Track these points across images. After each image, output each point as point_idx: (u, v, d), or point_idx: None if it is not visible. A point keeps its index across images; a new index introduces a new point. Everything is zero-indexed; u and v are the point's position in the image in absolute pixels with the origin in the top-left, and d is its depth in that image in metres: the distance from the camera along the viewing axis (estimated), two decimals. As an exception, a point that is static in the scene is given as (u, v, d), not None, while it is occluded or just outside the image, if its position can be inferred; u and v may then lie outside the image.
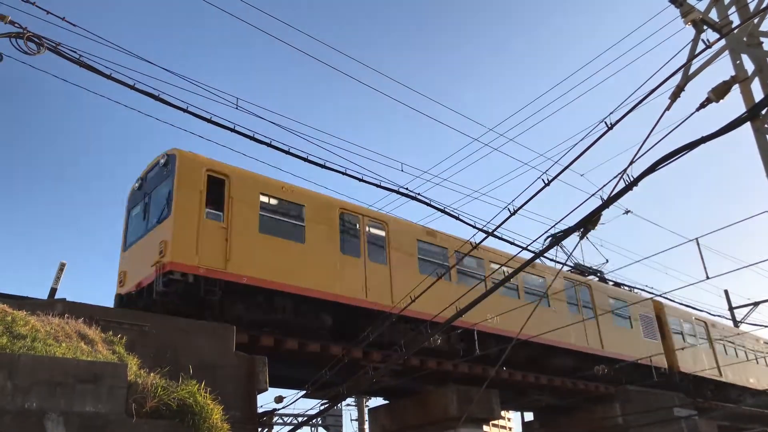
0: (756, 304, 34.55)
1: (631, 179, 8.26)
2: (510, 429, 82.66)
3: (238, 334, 12.25)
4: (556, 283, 19.69)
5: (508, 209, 10.42)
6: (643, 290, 24.16)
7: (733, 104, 8.94)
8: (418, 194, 17.02)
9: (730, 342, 27.96)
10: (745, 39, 9.14)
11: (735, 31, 9.06)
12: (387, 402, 19.53)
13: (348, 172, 15.60)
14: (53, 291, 10.26)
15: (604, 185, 8.78)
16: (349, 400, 28.30)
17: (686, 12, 9.11)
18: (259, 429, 12.54)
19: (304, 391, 14.75)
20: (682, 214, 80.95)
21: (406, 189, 17.07)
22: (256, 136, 13.98)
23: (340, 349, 14.07)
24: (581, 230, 9.05)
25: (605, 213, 8.72)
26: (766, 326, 35.63)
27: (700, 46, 9.07)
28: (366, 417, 28.34)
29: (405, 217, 18.14)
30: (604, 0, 76.47)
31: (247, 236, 13.32)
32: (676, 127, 8.31)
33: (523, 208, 10.03)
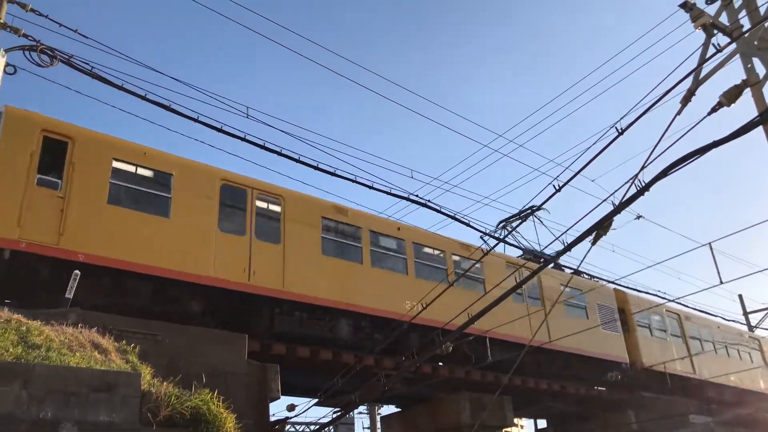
0: (771, 308, 34.12)
1: (643, 184, 8.23)
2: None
3: (250, 342, 12.28)
4: (493, 266, 17.79)
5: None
6: (656, 296, 23.77)
7: (745, 108, 8.89)
8: (428, 201, 17.02)
9: (708, 337, 25.95)
10: (756, 42, 9.09)
11: (746, 35, 9.02)
12: (399, 410, 19.48)
13: (358, 179, 15.65)
14: (67, 301, 10.30)
15: (616, 190, 8.75)
16: (361, 408, 28.23)
17: (696, 16, 9.08)
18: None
19: (317, 399, 14.74)
20: (694, 218, 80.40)
21: (416, 196, 17.08)
22: (267, 145, 14.08)
23: (352, 357, 14.05)
24: (593, 236, 8.99)
25: (617, 218, 8.68)
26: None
27: (711, 50, 9.04)
28: (378, 425, 28.25)
29: (416, 224, 18.16)
30: (613, 5, 76.33)
31: (92, 208, 11.67)
32: (688, 131, 8.27)
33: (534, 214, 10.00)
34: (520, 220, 21.22)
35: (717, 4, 9.43)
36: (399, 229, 16.35)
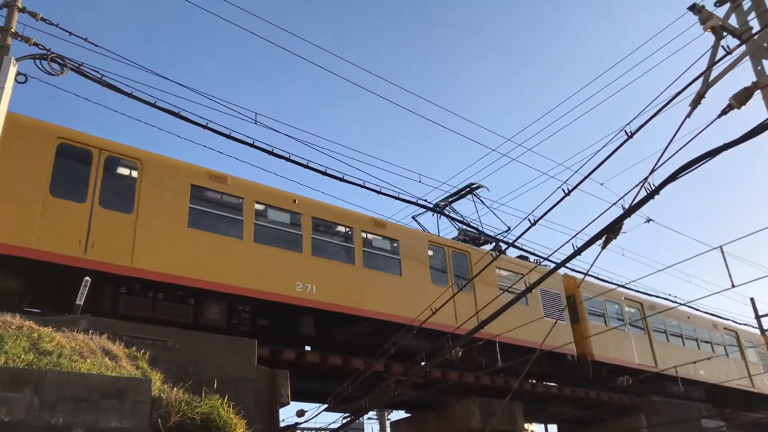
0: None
1: (653, 188, 8.18)
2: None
3: (260, 348, 12.29)
4: (413, 246, 16.35)
5: (529, 219, 10.37)
6: (666, 299, 23.57)
7: (755, 110, 8.84)
8: (437, 205, 17.02)
9: (675, 328, 24.17)
10: (765, 45, 9.04)
11: (755, 37, 8.97)
12: (409, 415, 19.43)
13: (366, 184, 15.67)
14: (78, 307, 10.34)
15: (626, 194, 8.71)
16: (371, 414, 28.17)
17: (705, 19, 9.05)
18: (282, 443, 12.52)
19: (326, 405, 14.72)
20: (705, 221, 79.84)
21: (425, 200, 17.09)
22: (276, 151, 14.11)
23: (361, 363, 14.04)
24: (603, 240, 8.94)
25: (627, 222, 8.63)
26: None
27: (720, 52, 9.00)
28: (388, 430, 28.18)
29: (426, 229, 18.08)
30: (622, 8, 76.06)
31: None
32: (698, 134, 8.23)
33: (544, 218, 9.98)
34: (458, 198, 19.84)
35: (726, 7, 9.39)
36: (296, 201, 14.63)
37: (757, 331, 28.16)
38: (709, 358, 23.73)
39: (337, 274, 14.60)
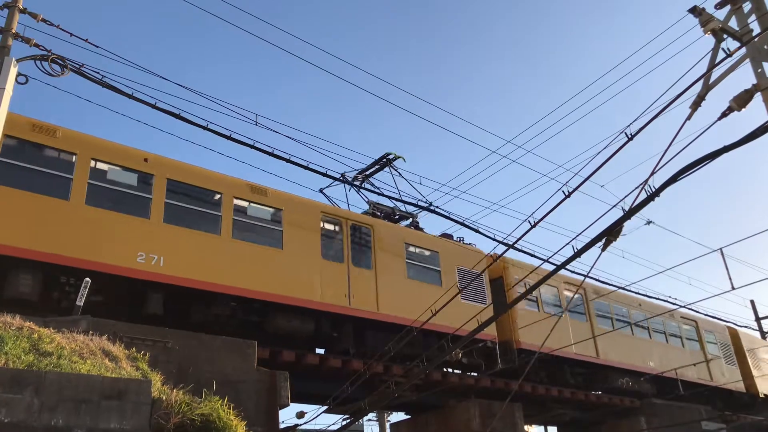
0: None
1: (653, 189, 8.20)
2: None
3: (260, 349, 12.29)
4: (301, 216, 14.51)
5: (529, 221, 10.37)
6: (666, 301, 23.50)
7: (755, 113, 8.85)
8: (437, 207, 17.04)
9: (624, 316, 22.18)
10: (766, 47, 9.06)
11: (755, 40, 8.98)
12: (409, 417, 19.42)
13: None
14: (78, 308, 10.35)
15: (626, 196, 8.72)
16: (371, 415, 28.17)
17: (705, 21, 9.06)
18: (282, 445, 12.51)
19: (326, 407, 14.73)
20: (705, 223, 79.80)
21: (425, 201, 17.10)
22: (276, 152, 14.15)
23: (361, 364, 14.04)
24: (603, 242, 8.95)
25: (627, 224, 8.65)
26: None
27: (721, 54, 9.01)
28: (388, 432, 28.15)
29: (426, 230, 18.04)
30: (622, 9, 76.12)
31: None
32: (698, 136, 8.25)
33: (544, 219, 9.98)
34: (375, 170, 18.13)
35: (726, 9, 9.41)
36: (147, 160, 12.74)
37: (721, 323, 26.80)
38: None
39: (196, 245, 12.68)
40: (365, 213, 17.10)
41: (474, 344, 15.92)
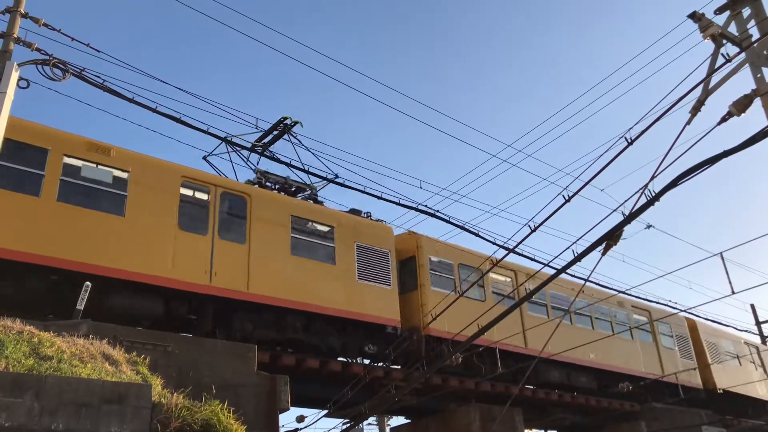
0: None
1: (653, 194, 8.21)
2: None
3: (260, 353, 12.30)
4: (154, 180, 12.65)
5: (529, 226, 10.39)
6: (666, 305, 23.43)
7: (755, 118, 8.88)
8: (437, 211, 17.02)
9: (562, 303, 19.92)
10: (765, 52, 9.08)
11: (755, 45, 9.01)
12: (409, 421, 19.40)
13: (367, 190, 15.68)
14: (78, 312, 10.35)
15: (626, 200, 8.74)
16: (371, 420, 28.14)
17: (705, 26, 9.09)
18: (282, 449, 12.49)
19: (326, 411, 14.72)
20: (705, 227, 79.85)
21: (425, 206, 17.08)
22: (277, 157, 14.15)
23: (361, 368, 14.04)
24: (603, 246, 8.96)
25: (627, 228, 8.66)
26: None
27: (720, 60, 9.04)
28: (388, 436, 28.10)
29: (426, 233, 18.03)
30: (622, 15, 76.28)
31: None
32: (698, 141, 8.26)
33: (544, 224, 10.00)
34: (274, 138, 16.10)
35: (726, 15, 9.44)
36: None
37: (681, 314, 24.09)
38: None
39: (9, 208, 11.01)
40: (250, 182, 15.07)
41: (359, 326, 14.53)
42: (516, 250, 13.71)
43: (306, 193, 16.01)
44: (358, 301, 14.42)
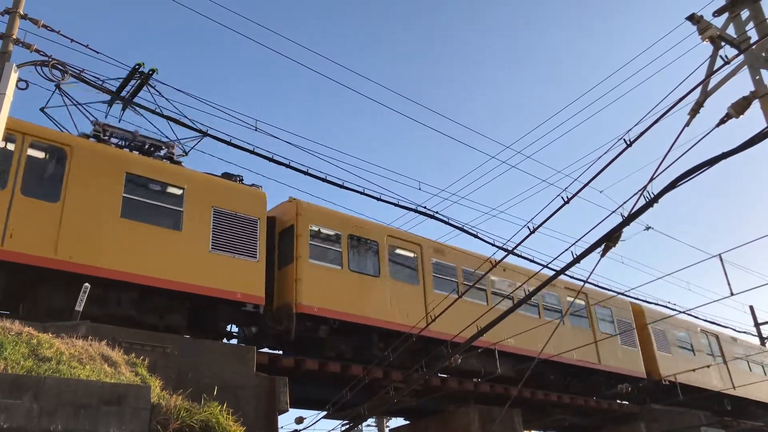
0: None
1: (652, 196, 8.23)
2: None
3: (259, 355, 12.30)
4: None
5: (528, 227, 10.40)
6: (667, 307, 23.38)
7: (754, 119, 8.89)
8: (436, 212, 17.04)
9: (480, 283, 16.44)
10: (763, 54, 9.10)
11: (753, 47, 9.02)
12: (408, 422, 19.40)
13: (366, 191, 15.70)
14: (77, 314, 10.35)
15: (625, 202, 8.75)
16: (370, 421, 28.13)
17: (703, 29, 9.10)
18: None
19: (325, 412, 14.72)
20: (704, 229, 79.91)
21: (424, 207, 17.10)
22: (275, 158, 14.16)
23: (360, 369, 14.03)
24: (602, 247, 8.97)
25: (626, 230, 8.67)
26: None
27: (719, 62, 9.05)
28: (387, 437, 28.09)
29: (425, 236, 18.03)
30: (621, 16, 76.44)
31: None
32: (696, 143, 8.27)
33: (543, 225, 10.00)
34: (133, 88, 13.55)
35: (724, 17, 9.45)
36: None
37: (626, 299, 22.49)
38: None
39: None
40: (85, 135, 12.87)
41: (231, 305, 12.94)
42: (515, 251, 13.69)
43: (163, 151, 13.82)
44: (210, 274, 12.56)
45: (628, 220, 8.49)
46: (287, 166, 14.36)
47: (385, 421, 28.22)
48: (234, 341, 14.33)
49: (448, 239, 20.58)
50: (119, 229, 11.86)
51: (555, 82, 77.11)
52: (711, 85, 9.27)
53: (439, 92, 73.89)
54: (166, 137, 13.86)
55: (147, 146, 13.59)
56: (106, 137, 13.07)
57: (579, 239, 9.33)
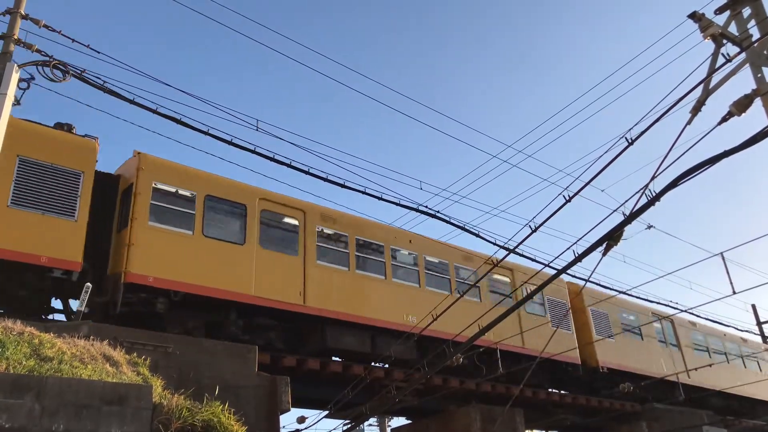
0: (784, 317, 33.54)
1: (654, 194, 8.20)
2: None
3: (260, 355, 12.29)
4: None
5: (530, 226, 10.38)
6: (668, 306, 23.25)
7: (755, 117, 8.87)
8: (438, 212, 16.98)
9: (376, 255, 15.88)
10: (765, 52, 9.08)
11: (755, 45, 9.00)
12: (409, 422, 19.40)
13: (367, 191, 15.63)
14: (79, 313, 10.36)
15: (626, 200, 8.73)
16: (371, 420, 28.12)
17: (705, 26, 9.08)
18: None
19: (327, 412, 14.71)
20: (705, 228, 79.89)
21: (426, 207, 17.04)
22: (276, 157, 14.10)
23: (362, 369, 14.03)
24: (604, 246, 8.95)
25: (627, 228, 8.64)
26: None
27: (720, 60, 9.03)
28: (388, 437, 28.10)
29: (426, 234, 18.01)
30: (622, 15, 76.37)
31: None
32: (698, 141, 8.24)
33: (545, 224, 9.99)
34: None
35: (726, 14, 9.43)
36: None
37: (562, 279, 19.52)
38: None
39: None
40: None
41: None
42: (517, 250, 13.66)
43: None
44: (5, 233, 10.89)
45: (629, 219, 8.46)
46: (288, 165, 14.32)
47: (386, 420, 28.23)
48: (62, 317, 12.57)
49: (449, 239, 20.40)
50: None
51: (556, 80, 77.10)
52: (712, 84, 9.25)
53: (441, 91, 73.86)
54: None
55: None
56: None
57: (580, 238, 9.32)
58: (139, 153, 13.15)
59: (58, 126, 12.52)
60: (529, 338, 17.85)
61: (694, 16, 9.23)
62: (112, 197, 13.12)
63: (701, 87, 9.09)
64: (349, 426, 15.97)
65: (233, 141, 13.56)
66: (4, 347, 7.38)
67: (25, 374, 6.95)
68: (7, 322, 8.24)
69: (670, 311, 22.15)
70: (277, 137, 14.49)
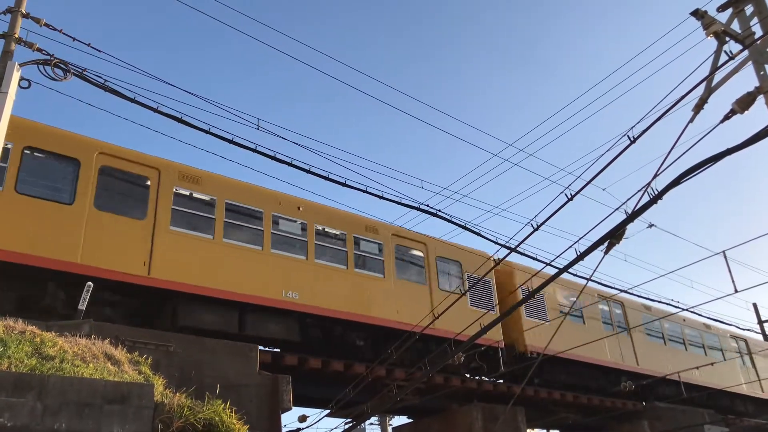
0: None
1: (656, 192, 8.18)
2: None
3: (262, 353, 12.29)
4: None
5: (531, 225, 10.37)
6: (670, 304, 23.20)
7: (758, 115, 8.85)
8: (439, 210, 16.96)
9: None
10: (768, 50, 9.06)
11: (758, 43, 8.98)
12: (411, 420, 19.40)
13: (368, 189, 15.62)
14: (80, 312, 10.35)
15: (628, 199, 8.70)
16: (373, 419, 28.12)
17: (708, 24, 9.06)
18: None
19: (328, 411, 14.72)
20: (707, 226, 79.83)
21: (427, 206, 17.03)
22: (278, 156, 14.10)
23: (363, 368, 14.02)
24: (606, 245, 8.93)
25: (629, 227, 8.62)
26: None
27: (723, 57, 9.01)
28: (390, 436, 28.12)
29: (427, 233, 17.98)
30: (624, 12, 76.32)
31: None
32: (701, 139, 8.22)
33: (546, 223, 9.97)
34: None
35: (728, 12, 9.41)
36: None
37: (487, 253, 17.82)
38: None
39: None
40: None
41: None
42: (518, 249, 13.64)
43: None
44: None
45: (631, 217, 8.44)
46: (289, 164, 14.31)
47: (388, 419, 28.24)
48: None
49: (451, 237, 20.36)
50: None
51: (558, 79, 77.03)
52: (715, 81, 9.23)
53: (442, 90, 73.82)
54: None
55: None
56: None
57: (582, 236, 9.29)
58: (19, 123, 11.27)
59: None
60: (443, 319, 13.97)
61: (697, 14, 9.21)
62: None
63: (703, 85, 9.07)
64: (350, 425, 15.97)
65: (234, 140, 13.56)
66: (5, 346, 7.37)
67: (26, 373, 6.94)
68: (9, 321, 8.23)
69: (615, 292, 20.21)
70: (278, 136, 14.48)
